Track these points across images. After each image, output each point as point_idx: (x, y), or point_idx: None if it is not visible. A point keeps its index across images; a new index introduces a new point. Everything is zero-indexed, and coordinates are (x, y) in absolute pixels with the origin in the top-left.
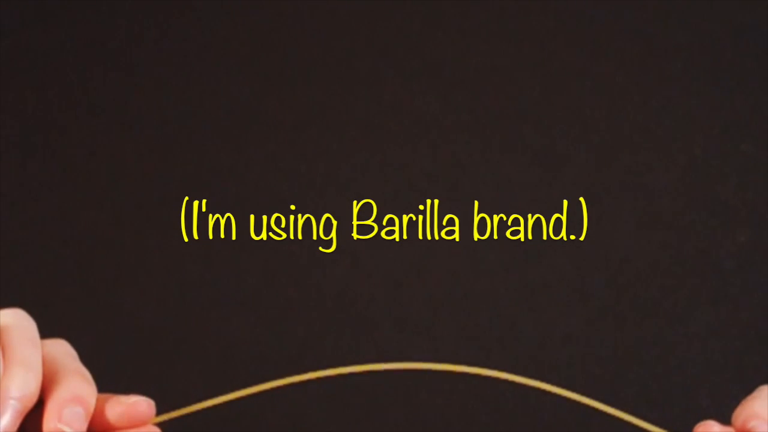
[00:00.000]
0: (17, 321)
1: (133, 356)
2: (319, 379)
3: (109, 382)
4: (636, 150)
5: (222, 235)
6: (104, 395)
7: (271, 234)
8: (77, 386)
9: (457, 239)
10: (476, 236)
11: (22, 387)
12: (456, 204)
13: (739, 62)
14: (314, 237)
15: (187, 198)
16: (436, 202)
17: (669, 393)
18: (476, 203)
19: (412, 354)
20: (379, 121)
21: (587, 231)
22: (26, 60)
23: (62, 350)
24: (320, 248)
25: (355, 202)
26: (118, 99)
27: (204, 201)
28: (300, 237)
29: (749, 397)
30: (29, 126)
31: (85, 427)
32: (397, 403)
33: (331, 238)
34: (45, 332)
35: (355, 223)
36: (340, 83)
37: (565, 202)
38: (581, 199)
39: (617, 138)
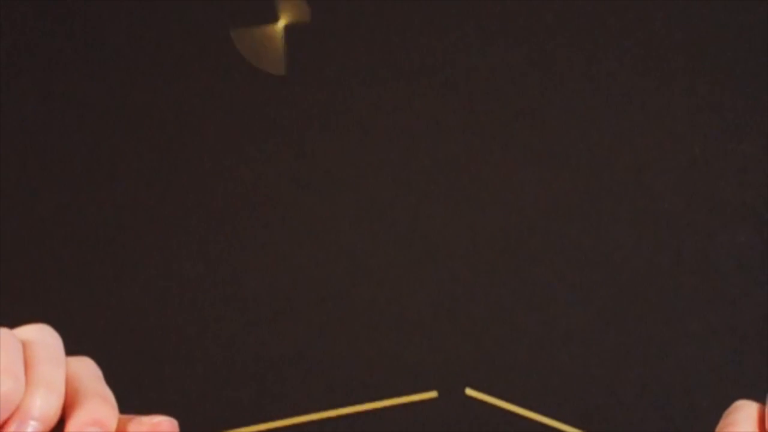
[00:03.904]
0: (42, 338)
1: (131, 356)
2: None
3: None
4: (636, 150)
5: (222, 235)
6: (126, 416)
7: (270, 233)
8: (98, 408)
9: (458, 240)
10: (476, 237)
11: (44, 407)
12: (456, 204)
13: (739, 62)
14: (314, 236)
15: (187, 198)
16: (437, 202)
17: (669, 393)
18: (476, 203)
19: (411, 353)
20: (379, 121)
21: (587, 231)
22: (26, 60)
23: (86, 370)
24: (320, 247)
25: (354, 202)
26: (118, 99)
27: (204, 200)
28: (299, 237)
29: (726, 421)
30: (29, 126)
31: None
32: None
33: (331, 236)
34: None
35: (354, 222)
36: (340, 83)
37: (566, 202)
38: (581, 199)
39: (617, 138)
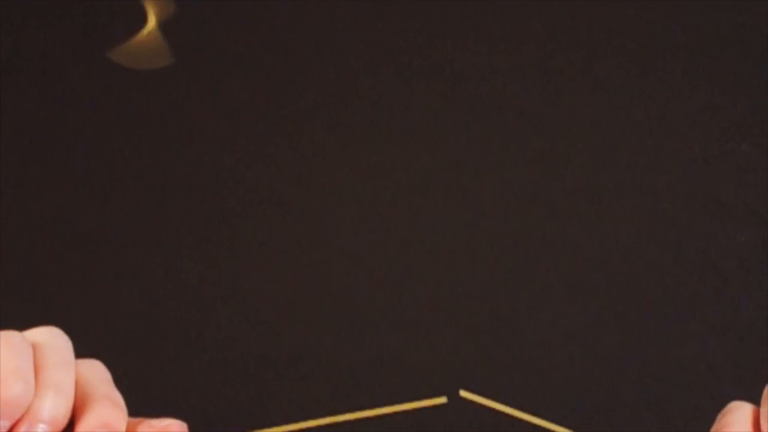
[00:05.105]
0: (52, 340)
1: (131, 356)
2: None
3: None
4: (636, 150)
5: (222, 236)
6: (135, 419)
7: (270, 233)
8: (107, 412)
9: (457, 239)
10: (476, 236)
11: (53, 410)
12: (456, 204)
13: (739, 62)
14: (314, 237)
15: (187, 198)
16: (437, 202)
17: (669, 393)
18: (476, 203)
19: (408, 354)
20: (379, 121)
21: (587, 231)
22: (26, 60)
23: (96, 373)
24: (319, 248)
25: (354, 202)
26: (117, 98)
27: (205, 200)
28: (299, 236)
29: (722, 422)
30: (29, 126)
31: None
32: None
33: (330, 238)
34: None
35: (354, 223)
36: (340, 83)
37: (565, 202)
38: (581, 199)
39: (617, 138)
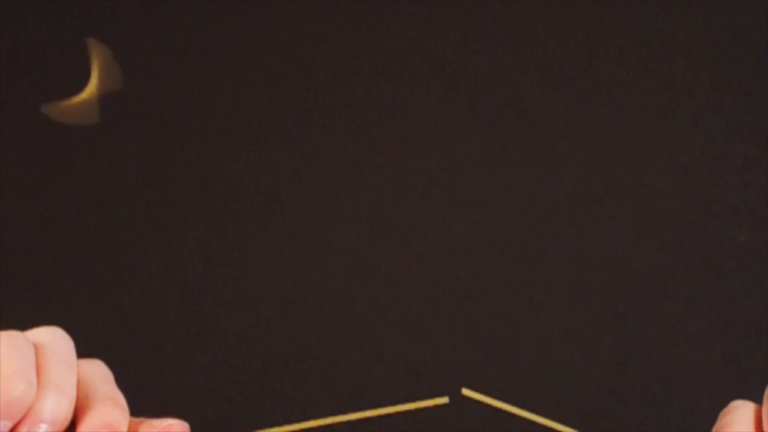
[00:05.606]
0: (54, 341)
1: (131, 356)
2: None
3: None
4: (636, 150)
5: (222, 235)
6: (137, 419)
7: (270, 233)
8: (109, 412)
9: (458, 239)
10: (476, 236)
11: (55, 411)
12: (456, 204)
13: (739, 62)
14: (313, 237)
15: (187, 198)
16: (437, 202)
17: (669, 393)
18: (476, 203)
19: (409, 354)
20: (379, 121)
21: (587, 231)
22: (26, 60)
23: (98, 373)
24: (319, 248)
25: (354, 202)
26: (117, 98)
27: (205, 200)
28: (299, 237)
29: (723, 422)
30: (29, 126)
31: None
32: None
33: (330, 238)
34: None
35: (354, 222)
36: (340, 83)
37: (565, 202)
38: (581, 199)
39: (617, 138)
